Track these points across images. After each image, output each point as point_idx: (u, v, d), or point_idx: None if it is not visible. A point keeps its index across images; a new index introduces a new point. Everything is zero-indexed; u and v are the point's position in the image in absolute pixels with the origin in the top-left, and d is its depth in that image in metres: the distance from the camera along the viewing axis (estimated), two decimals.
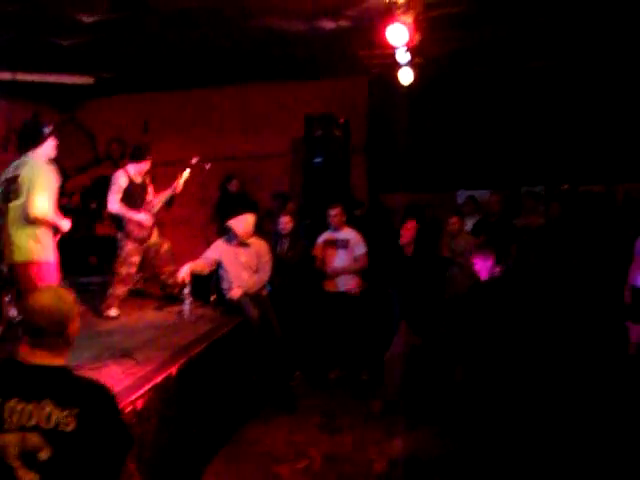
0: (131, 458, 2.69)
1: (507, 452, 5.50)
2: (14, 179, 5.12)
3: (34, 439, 2.40)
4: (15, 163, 5.29)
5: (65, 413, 2.41)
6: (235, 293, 7.32)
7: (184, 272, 7.20)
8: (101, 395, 2.59)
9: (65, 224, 5.29)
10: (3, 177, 5.28)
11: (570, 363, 6.51)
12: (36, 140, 5.27)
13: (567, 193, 9.00)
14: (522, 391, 5.74)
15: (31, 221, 5.04)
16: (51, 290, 2.72)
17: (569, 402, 6.08)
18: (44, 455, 2.39)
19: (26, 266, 5.08)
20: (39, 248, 5.11)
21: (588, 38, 8.16)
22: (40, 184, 5.03)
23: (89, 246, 9.48)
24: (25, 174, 5.07)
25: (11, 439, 2.41)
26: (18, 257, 5.10)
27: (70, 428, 2.41)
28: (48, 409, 2.41)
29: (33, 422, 2.41)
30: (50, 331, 2.53)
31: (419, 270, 6.60)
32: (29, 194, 4.99)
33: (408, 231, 6.73)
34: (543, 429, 5.66)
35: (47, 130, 5.34)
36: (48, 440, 2.40)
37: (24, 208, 5.02)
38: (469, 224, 8.70)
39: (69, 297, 2.68)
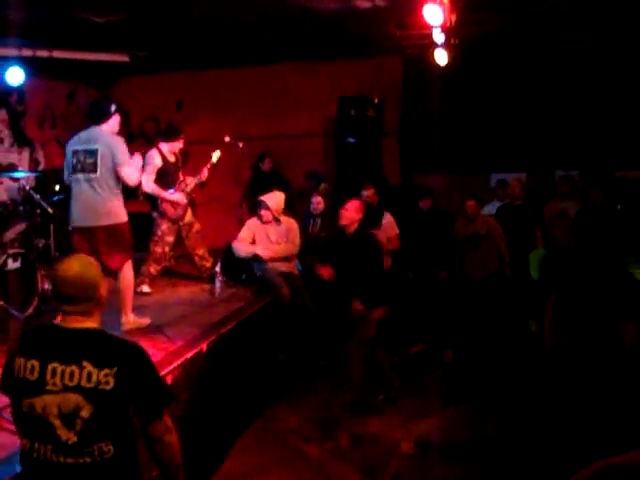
0: (168, 412, 2.75)
1: (537, 436, 5.49)
2: (93, 152, 5.55)
3: (76, 399, 2.47)
4: (83, 136, 5.68)
5: (104, 372, 2.49)
6: (263, 253, 7.38)
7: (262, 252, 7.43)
8: (136, 353, 2.67)
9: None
10: (72, 148, 5.67)
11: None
12: (104, 116, 5.70)
13: (600, 178, 8.85)
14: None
15: (124, 189, 5.74)
16: (77, 259, 2.78)
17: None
18: (85, 413, 2.48)
19: (116, 228, 5.66)
20: (124, 211, 5.78)
21: (623, 20, 7.98)
22: (125, 157, 5.61)
23: None
24: (104, 149, 5.55)
25: (53, 399, 2.48)
26: (110, 220, 5.62)
27: (110, 387, 2.49)
28: (88, 369, 2.48)
29: (75, 382, 2.48)
30: (81, 297, 2.61)
31: (357, 251, 6.41)
32: (119, 167, 5.55)
33: (347, 211, 6.58)
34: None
35: (113, 107, 5.78)
36: (89, 399, 2.47)
37: (114, 178, 5.59)
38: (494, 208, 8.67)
39: (95, 263, 2.77)
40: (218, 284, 7.40)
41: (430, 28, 6.62)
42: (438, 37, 6.96)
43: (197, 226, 7.68)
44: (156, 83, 11.19)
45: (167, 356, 5.09)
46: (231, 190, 9.57)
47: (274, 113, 10.80)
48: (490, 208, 8.70)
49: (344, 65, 10.32)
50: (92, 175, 5.52)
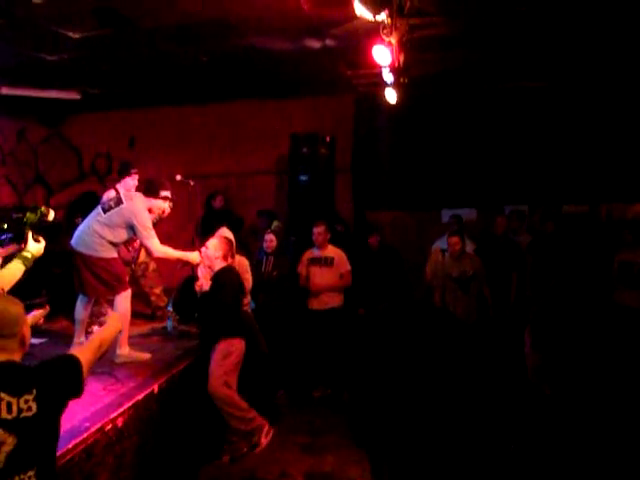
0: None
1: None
2: None
3: None
4: None
5: (24, 398, 2.42)
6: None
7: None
8: (52, 368, 2.62)
9: None
10: None
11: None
12: None
13: (549, 212, 9.03)
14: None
15: None
16: None
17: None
18: (7, 447, 2.39)
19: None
20: None
21: (569, 59, 8.23)
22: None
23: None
24: None
25: None
26: None
27: (32, 412, 2.42)
28: (6, 400, 2.41)
29: None
30: (2, 334, 2.55)
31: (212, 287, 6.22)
32: None
33: (207, 249, 6.42)
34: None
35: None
36: (11, 431, 2.39)
37: None
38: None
39: (15, 301, 2.71)
40: (170, 323, 7.32)
41: (380, 68, 6.72)
42: (387, 77, 7.05)
43: (153, 265, 7.63)
44: (108, 120, 11.12)
45: (117, 398, 5.00)
46: (183, 228, 9.50)
47: (226, 151, 10.82)
48: (441, 242, 8.74)
49: (296, 103, 10.41)
50: None
